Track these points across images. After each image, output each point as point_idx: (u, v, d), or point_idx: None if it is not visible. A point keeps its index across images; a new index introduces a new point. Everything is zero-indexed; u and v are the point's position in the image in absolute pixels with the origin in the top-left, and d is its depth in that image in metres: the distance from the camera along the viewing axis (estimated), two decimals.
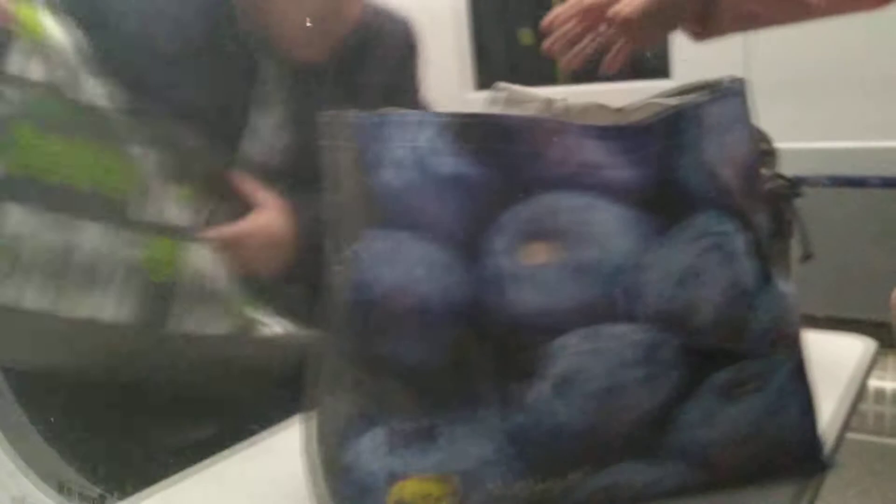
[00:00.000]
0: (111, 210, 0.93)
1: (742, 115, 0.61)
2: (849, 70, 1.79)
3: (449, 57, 2.56)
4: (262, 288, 1.03)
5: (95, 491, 1.15)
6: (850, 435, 0.77)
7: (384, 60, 1.21)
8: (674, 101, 0.60)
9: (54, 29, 0.94)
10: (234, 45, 1.09)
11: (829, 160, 1.68)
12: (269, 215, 1.05)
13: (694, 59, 2.02)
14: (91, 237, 0.91)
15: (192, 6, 1.08)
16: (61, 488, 1.14)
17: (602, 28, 0.93)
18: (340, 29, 1.14)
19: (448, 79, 2.55)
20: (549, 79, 2.88)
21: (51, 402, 1.15)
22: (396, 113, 0.56)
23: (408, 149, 0.55)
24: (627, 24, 0.88)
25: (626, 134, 0.58)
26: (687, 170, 0.58)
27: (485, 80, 2.60)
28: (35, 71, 0.90)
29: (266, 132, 1.13)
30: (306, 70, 1.13)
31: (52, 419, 1.14)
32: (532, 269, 0.56)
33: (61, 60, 0.92)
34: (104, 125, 0.95)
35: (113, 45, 0.98)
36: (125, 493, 0.74)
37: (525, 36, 3.11)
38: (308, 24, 1.10)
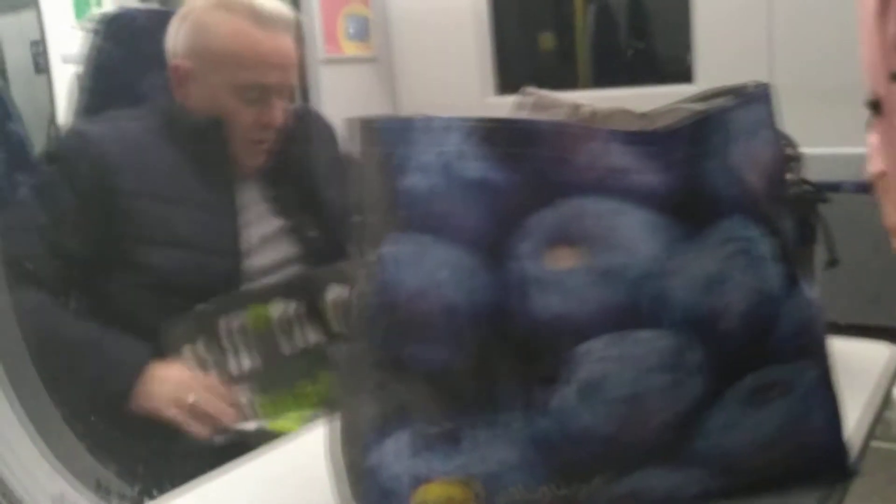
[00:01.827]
0: None
1: (768, 120, 0.60)
2: None
3: (470, 61, 2.56)
4: None
5: (132, 490, 1.16)
6: (876, 443, 0.76)
7: (318, 146, 1.38)
8: (699, 107, 0.60)
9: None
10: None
11: (856, 166, 1.67)
12: None
13: (718, 64, 2.01)
14: None
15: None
16: (98, 488, 1.16)
17: None
18: (268, 137, 1.29)
19: (469, 83, 2.55)
20: (570, 83, 2.88)
21: (87, 404, 1.18)
22: (423, 117, 0.56)
23: (434, 153, 0.55)
24: None
25: (652, 139, 0.58)
26: (713, 175, 0.58)
27: (506, 84, 2.60)
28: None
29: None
30: (255, 176, 1.32)
31: (89, 420, 1.17)
32: (557, 273, 0.56)
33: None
34: None
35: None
36: (161, 492, 0.75)
37: (545, 40, 3.11)
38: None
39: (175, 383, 1.14)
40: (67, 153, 1.25)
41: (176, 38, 1.29)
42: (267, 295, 1.26)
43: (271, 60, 1.25)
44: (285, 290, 1.27)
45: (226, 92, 1.25)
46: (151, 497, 1.15)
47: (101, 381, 1.16)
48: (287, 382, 1.22)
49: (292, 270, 1.32)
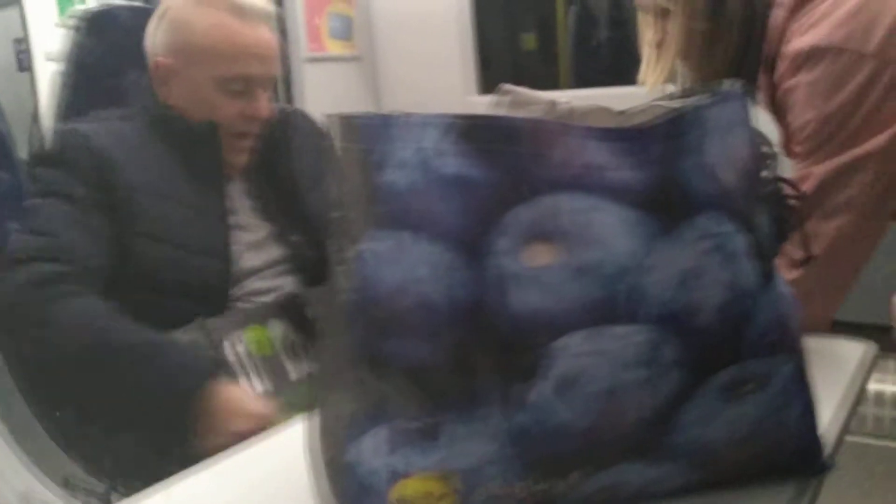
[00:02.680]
0: None
1: (743, 117, 0.61)
2: None
3: (452, 61, 2.56)
4: None
5: (100, 487, 1.15)
6: (850, 437, 0.77)
7: (301, 148, 1.37)
8: (675, 104, 0.60)
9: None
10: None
11: None
12: None
13: None
14: None
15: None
16: (66, 484, 1.15)
17: None
18: (254, 130, 1.29)
19: (451, 83, 2.55)
20: (552, 82, 2.89)
21: (57, 400, 1.16)
22: (401, 114, 0.56)
23: (412, 150, 0.55)
24: None
25: (628, 136, 0.58)
26: (688, 171, 0.58)
27: (488, 84, 2.60)
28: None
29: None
30: (241, 176, 1.32)
31: (57, 415, 1.16)
32: (534, 269, 0.56)
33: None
34: None
35: None
36: (130, 490, 0.75)
37: (527, 41, 3.11)
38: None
39: (237, 412, 1.09)
40: (67, 150, 1.23)
41: (155, 35, 1.29)
42: (262, 315, 1.24)
43: (252, 51, 1.25)
44: (279, 311, 1.26)
45: (209, 86, 1.25)
46: (119, 494, 1.14)
47: (163, 387, 1.10)
48: (297, 407, 1.21)
49: (281, 278, 1.31)
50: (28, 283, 1.13)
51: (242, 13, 1.24)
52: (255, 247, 1.30)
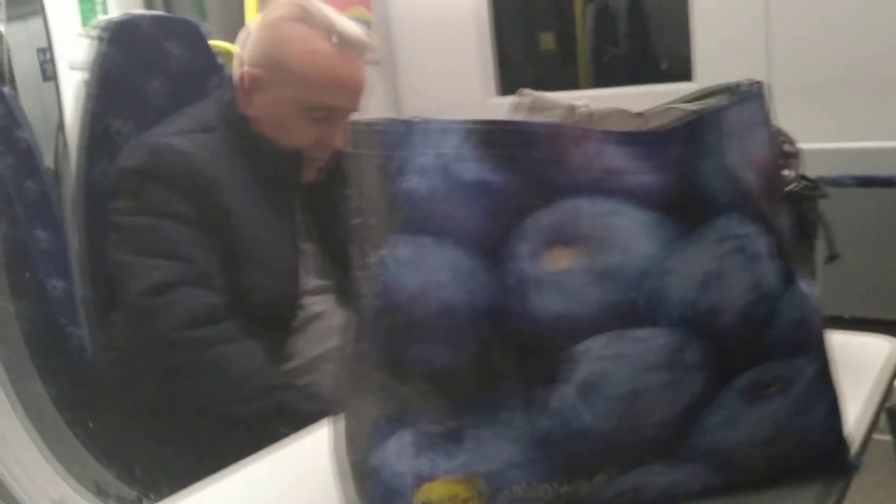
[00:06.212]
0: None
1: (762, 117, 0.61)
2: (872, 70, 1.78)
3: (471, 62, 2.56)
4: None
5: (132, 493, 1.16)
6: (877, 436, 0.77)
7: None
8: (694, 106, 0.60)
9: None
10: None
11: (854, 160, 1.67)
12: None
13: (717, 62, 2.02)
14: None
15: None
16: (98, 490, 1.16)
17: None
18: (324, 157, 1.27)
19: (471, 84, 2.55)
20: (571, 83, 2.88)
21: (89, 408, 1.17)
22: (421, 120, 0.56)
23: (432, 155, 0.56)
24: None
25: (647, 139, 0.58)
26: (708, 173, 0.58)
27: (507, 85, 2.59)
28: None
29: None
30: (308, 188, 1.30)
31: (90, 424, 1.16)
32: (555, 273, 0.56)
33: None
34: None
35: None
36: (161, 496, 0.76)
37: (546, 41, 3.10)
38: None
39: None
40: (166, 169, 1.19)
41: (249, 45, 1.26)
42: None
43: (343, 85, 1.23)
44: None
45: (292, 108, 1.22)
46: (150, 500, 1.15)
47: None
48: None
49: (325, 301, 1.30)
50: (182, 316, 1.11)
51: (342, 42, 1.22)
52: (305, 269, 1.29)
